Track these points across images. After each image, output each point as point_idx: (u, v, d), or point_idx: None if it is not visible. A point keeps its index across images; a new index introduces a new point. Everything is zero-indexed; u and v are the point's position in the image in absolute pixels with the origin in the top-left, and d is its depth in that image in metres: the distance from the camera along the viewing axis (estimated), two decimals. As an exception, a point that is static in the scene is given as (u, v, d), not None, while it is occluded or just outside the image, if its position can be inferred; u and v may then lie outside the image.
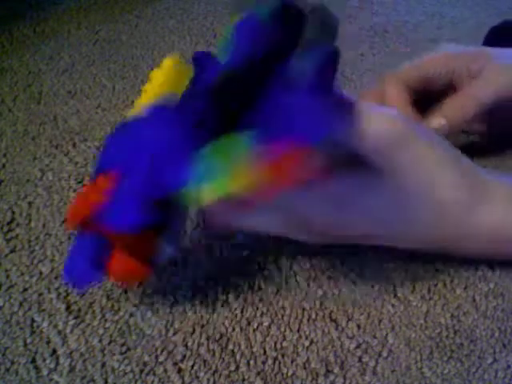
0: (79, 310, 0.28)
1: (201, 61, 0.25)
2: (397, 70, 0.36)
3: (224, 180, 0.22)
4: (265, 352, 0.26)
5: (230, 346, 0.26)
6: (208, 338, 0.27)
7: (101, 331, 0.27)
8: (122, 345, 0.26)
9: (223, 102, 0.23)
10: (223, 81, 0.23)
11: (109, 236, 0.24)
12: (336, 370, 0.25)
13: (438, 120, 0.33)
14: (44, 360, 0.26)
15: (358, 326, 0.27)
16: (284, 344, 0.26)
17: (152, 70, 0.27)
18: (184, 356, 0.26)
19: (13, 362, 0.26)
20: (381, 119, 0.25)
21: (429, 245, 0.28)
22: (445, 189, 0.26)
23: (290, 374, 0.25)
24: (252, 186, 0.21)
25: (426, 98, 0.35)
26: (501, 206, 0.27)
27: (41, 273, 0.30)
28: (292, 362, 0.26)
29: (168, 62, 0.27)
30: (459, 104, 0.34)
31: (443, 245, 0.28)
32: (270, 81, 0.23)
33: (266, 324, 0.27)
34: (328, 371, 0.25)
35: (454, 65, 0.35)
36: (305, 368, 0.25)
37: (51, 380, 0.25)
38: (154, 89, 0.26)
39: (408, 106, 0.34)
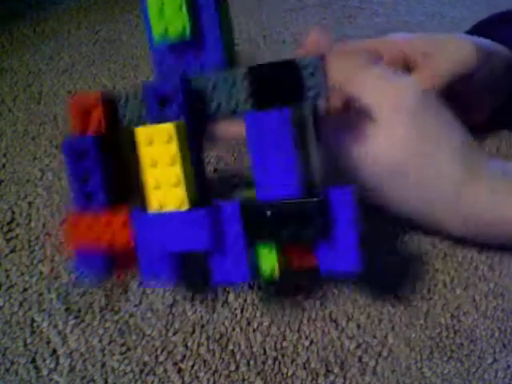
0: (79, 310, 0.28)
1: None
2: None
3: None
4: (265, 352, 0.26)
5: (230, 346, 0.26)
6: (208, 338, 0.27)
7: (101, 331, 0.27)
8: (122, 345, 0.26)
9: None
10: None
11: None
12: (336, 370, 0.25)
13: None
14: (44, 360, 0.26)
15: (358, 326, 0.27)
16: (284, 344, 0.26)
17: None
18: (184, 356, 0.26)
19: (13, 362, 0.26)
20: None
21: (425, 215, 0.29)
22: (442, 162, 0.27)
23: (290, 373, 0.25)
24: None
25: None
26: (487, 189, 0.27)
27: (41, 273, 0.30)
28: (292, 362, 0.26)
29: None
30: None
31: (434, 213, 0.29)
32: None
33: (265, 324, 0.27)
34: (328, 371, 0.25)
35: (407, 49, 0.34)
36: (305, 368, 0.25)
37: (51, 380, 0.25)
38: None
39: None
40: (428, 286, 0.29)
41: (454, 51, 0.33)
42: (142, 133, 0.24)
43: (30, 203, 0.34)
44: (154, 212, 0.25)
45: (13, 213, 0.33)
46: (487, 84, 0.34)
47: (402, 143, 0.27)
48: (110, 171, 0.26)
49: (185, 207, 0.24)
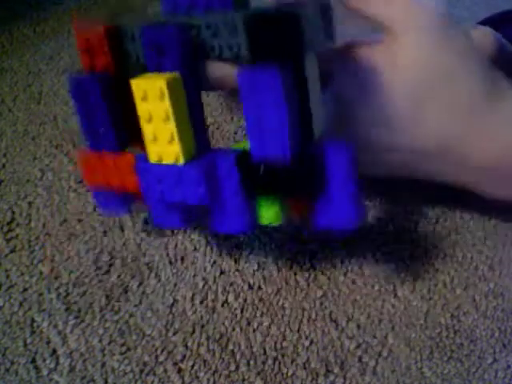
0: (79, 310, 0.28)
1: None
2: None
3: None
4: (265, 352, 0.26)
5: (230, 346, 0.26)
6: (208, 338, 0.27)
7: (101, 331, 0.27)
8: (122, 345, 0.26)
9: None
10: None
11: None
12: (336, 370, 0.25)
13: None
14: (44, 360, 0.26)
15: (358, 326, 0.27)
16: (284, 344, 0.26)
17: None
18: (184, 356, 0.26)
19: (13, 362, 0.26)
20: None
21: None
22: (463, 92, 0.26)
23: (290, 373, 0.25)
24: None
25: None
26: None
27: (41, 273, 0.30)
28: (292, 362, 0.26)
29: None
30: None
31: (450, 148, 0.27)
32: None
33: (265, 324, 0.27)
34: (328, 371, 0.25)
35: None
36: (305, 368, 0.25)
37: (51, 380, 0.25)
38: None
39: None
40: (428, 286, 0.29)
41: (479, 38, 0.33)
42: (137, 86, 0.24)
43: (29, 203, 0.34)
44: (153, 163, 0.25)
45: (13, 213, 0.33)
46: None
47: (426, 60, 0.26)
48: (118, 112, 0.26)
49: (180, 162, 0.24)
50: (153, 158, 0.25)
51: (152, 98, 0.24)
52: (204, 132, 0.26)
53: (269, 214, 0.24)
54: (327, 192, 0.23)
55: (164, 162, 0.24)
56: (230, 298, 0.28)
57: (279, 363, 0.26)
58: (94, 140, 0.26)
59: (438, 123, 0.27)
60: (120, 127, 0.26)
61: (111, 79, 0.25)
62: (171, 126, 0.24)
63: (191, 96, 0.25)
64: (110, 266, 0.30)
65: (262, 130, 0.23)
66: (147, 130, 0.24)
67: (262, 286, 0.29)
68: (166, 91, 0.23)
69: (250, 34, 0.23)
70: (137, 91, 0.24)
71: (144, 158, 0.25)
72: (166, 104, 0.23)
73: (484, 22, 0.40)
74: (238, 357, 0.26)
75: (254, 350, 0.26)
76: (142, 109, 0.24)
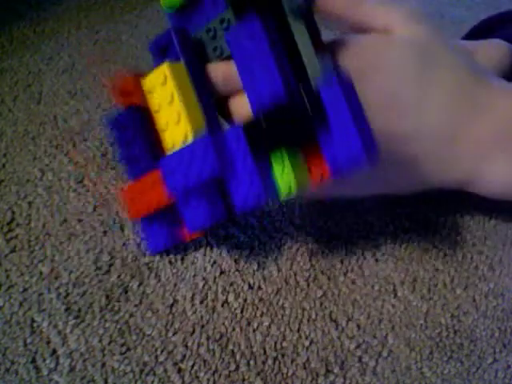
0: (79, 309, 0.28)
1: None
2: None
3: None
4: (265, 352, 0.26)
5: (230, 346, 0.26)
6: (208, 338, 0.27)
7: (101, 331, 0.27)
8: (122, 345, 0.26)
9: None
10: None
11: None
12: (336, 370, 0.25)
13: None
14: (44, 360, 0.26)
15: (358, 326, 0.27)
16: (284, 344, 0.26)
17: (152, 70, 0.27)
18: (184, 356, 0.26)
19: (13, 362, 0.26)
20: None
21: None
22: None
23: (290, 373, 0.25)
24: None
25: None
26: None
27: (41, 273, 0.30)
28: (292, 361, 0.26)
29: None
30: None
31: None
32: None
33: (265, 324, 0.27)
34: (328, 371, 0.25)
35: None
36: (305, 368, 0.25)
37: (51, 380, 0.25)
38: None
39: None
40: (428, 286, 0.29)
41: (492, 50, 0.34)
42: (145, 82, 0.26)
43: (29, 203, 0.34)
44: (169, 153, 0.26)
45: (13, 213, 0.33)
46: None
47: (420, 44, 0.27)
48: (152, 136, 0.27)
49: (190, 139, 0.25)
50: (168, 147, 0.26)
51: (157, 86, 0.26)
52: (214, 115, 0.27)
53: (284, 182, 0.24)
54: (333, 131, 0.23)
55: (177, 147, 0.25)
56: (230, 297, 0.28)
57: (279, 363, 0.26)
58: (132, 167, 0.28)
59: (439, 106, 0.27)
60: (155, 149, 0.27)
61: (144, 109, 0.27)
62: (176, 106, 0.25)
63: (197, 81, 0.26)
64: (110, 266, 0.30)
65: (255, 78, 0.24)
66: (159, 120, 0.26)
67: (262, 286, 0.29)
68: (168, 74, 0.25)
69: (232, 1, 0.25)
70: (145, 87, 0.26)
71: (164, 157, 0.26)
72: (170, 85, 0.25)
73: (483, 23, 0.40)
74: (237, 357, 0.26)
75: (254, 350, 0.26)
76: (152, 102, 0.26)
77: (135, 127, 0.27)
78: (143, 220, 0.30)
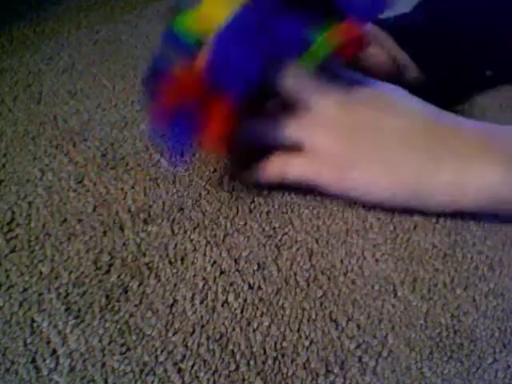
0: (79, 309, 0.28)
1: None
2: None
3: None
4: (265, 352, 0.26)
5: (230, 346, 0.26)
6: (208, 338, 0.27)
7: (101, 331, 0.27)
8: (122, 345, 0.26)
9: None
10: None
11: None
12: (336, 370, 0.25)
13: None
14: (44, 360, 0.26)
15: (358, 326, 0.27)
16: (284, 344, 0.26)
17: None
18: (184, 356, 0.26)
19: (13, 362, 0.26)
20: None
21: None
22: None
23: (289, 373, 0.25)
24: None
25: None
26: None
27: (41, 273, 0.30)
28: (292, 361, 0.26)
29: None
30: None
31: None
32: None
33: (265, 324, 0.27)
34: (328, 371, 0.25)
35: None
36: (305, 368, 0.25)
37: (51, 380, 0.25)
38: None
39: None
40: (428, 286, 0.29)
41: (375, 57, 0.38)
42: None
43: (29, 203, 0.34)
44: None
45: (13, 213, 0.33)
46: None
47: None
48: None
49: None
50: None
51: None
52: None
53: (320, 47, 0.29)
54: None
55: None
56: (230, 297, 0.28)
57: (279, 363, 0.26)
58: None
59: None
60: None
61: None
62: None
63: None
64: (110, 266, 0.30)
65: None
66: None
67: (262, 286, 0.29)
68: None
69: None
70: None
71: None
72: None
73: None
74: (237, 357, 0.26)
75: (254, 349, 0.26)
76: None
77: None
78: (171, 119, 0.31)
